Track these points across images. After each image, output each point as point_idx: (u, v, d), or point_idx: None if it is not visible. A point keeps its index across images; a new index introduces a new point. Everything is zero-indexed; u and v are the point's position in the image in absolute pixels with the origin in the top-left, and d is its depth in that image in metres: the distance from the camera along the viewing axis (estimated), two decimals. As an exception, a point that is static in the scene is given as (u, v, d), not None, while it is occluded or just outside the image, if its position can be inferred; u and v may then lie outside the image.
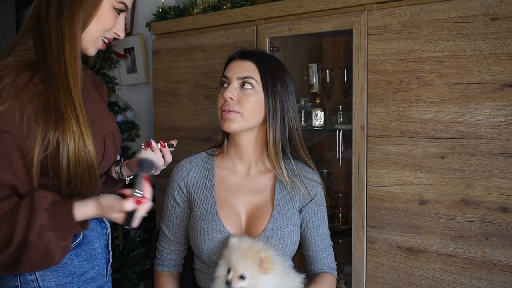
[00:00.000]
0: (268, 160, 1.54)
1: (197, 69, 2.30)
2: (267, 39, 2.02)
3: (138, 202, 1.12)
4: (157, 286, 1.56)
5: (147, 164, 1.22)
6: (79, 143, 1.13)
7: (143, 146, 1.32)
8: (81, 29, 1.18)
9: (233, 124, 1.45)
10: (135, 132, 2.89)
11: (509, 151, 1.49)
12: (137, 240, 2.57)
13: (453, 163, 1.59)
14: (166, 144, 1.34)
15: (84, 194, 1.18)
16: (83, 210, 1.12)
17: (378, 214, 1.74)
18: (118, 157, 1.42)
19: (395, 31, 1.67)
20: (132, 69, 3.07)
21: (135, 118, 2.95)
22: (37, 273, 1.20)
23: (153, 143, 1.32)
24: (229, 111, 1.44)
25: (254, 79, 1.47)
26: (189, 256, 1.60)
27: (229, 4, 2.18)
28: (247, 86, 1.47)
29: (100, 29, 1.22)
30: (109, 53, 2.65)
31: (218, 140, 1.59)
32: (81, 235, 1.27)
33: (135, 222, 1.13)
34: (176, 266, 1.57)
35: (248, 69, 1.48)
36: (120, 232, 2.51)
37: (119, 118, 2.77)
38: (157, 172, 1.36)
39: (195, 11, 2.31)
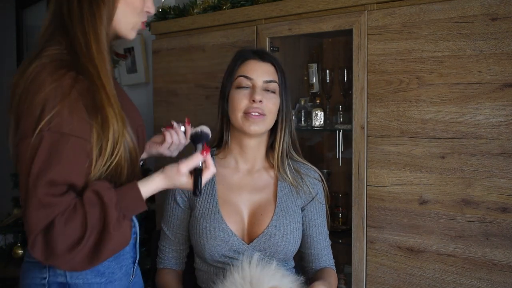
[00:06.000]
0: (270, 158, 1.55)
1: (197, 69, 2.30)
2: (267, 39, 2.02)
3: (202, 152, 1.22)
4: (158, 280, 1.56)
5: (205, 134, 1.37)
6: (121, 139, 1.14)
7: (163, 129, 1.42)
8: (107, 23, 1.17)
9: (259, 126, 1.46)
10: (135, 132, 2.88)
11: (509, 151, 1.49)
12: (137, 240, 2.57)
13: (453, 163, 1.59)
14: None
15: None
16: (150, 187, 1.18)
17: (378, 214, 1.74)
18: None
19: (395, 31, 1.67)
20: (132, 69, 3.07)
21: (135, 118, 2.94)
22: None
23: (175, 123, 1.42)
24: (259, 114, 1.45)
25: (277, 83, 1.50)
26: (190, 256, 1.60)
27: (229, 4, 2.18)
28: (271, 89, 1.48)
29: (132, 12, 1.22)
30: (109, 53, 2.65)
31: (215, 139, 1.59)
32: None
33: (202, 185, 1.19)
34: (178, 264, 1.58)
35: (271, 72, 1.50)
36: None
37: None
38: (176, 153, 1.44)
39: (195, 11, 2.31)
